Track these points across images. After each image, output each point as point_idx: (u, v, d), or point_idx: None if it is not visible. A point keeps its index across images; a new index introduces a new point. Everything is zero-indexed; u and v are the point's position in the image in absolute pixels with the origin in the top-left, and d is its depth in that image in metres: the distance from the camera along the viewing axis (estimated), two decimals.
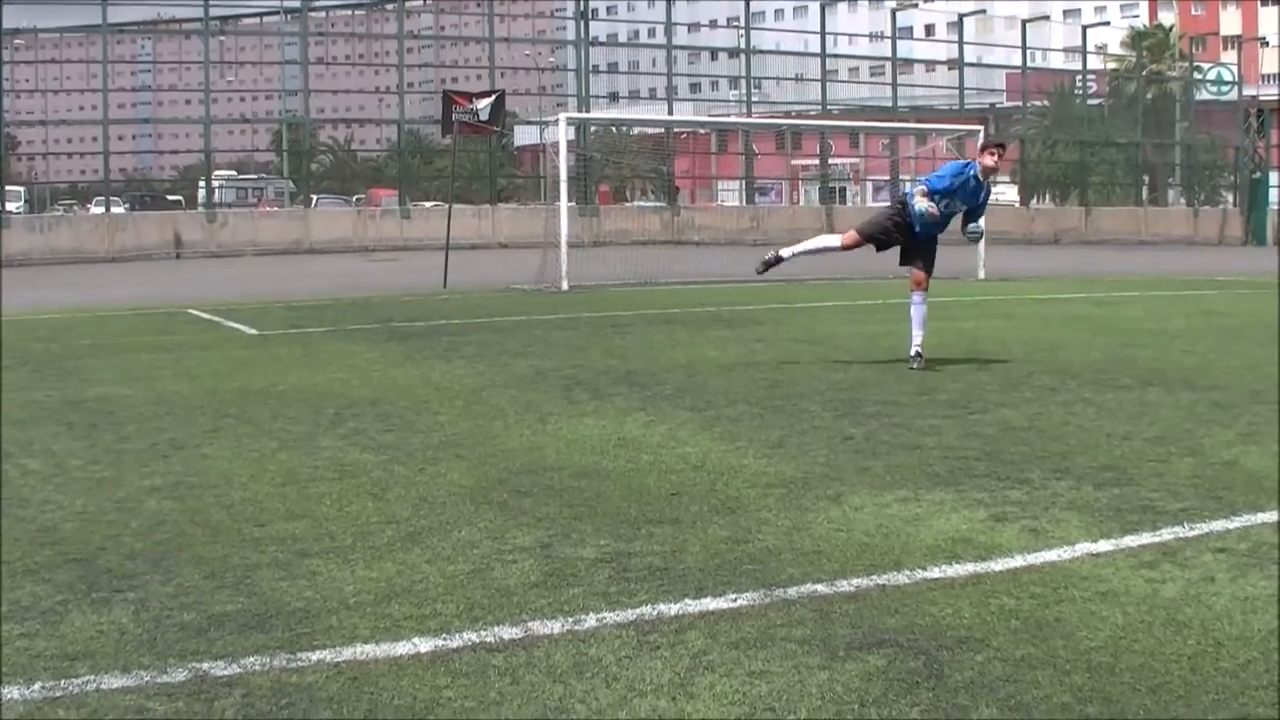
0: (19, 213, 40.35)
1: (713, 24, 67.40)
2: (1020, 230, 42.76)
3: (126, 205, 45.84)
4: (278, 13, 46.33)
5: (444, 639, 3.80)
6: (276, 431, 7.35)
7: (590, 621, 3.94)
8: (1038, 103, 55.44)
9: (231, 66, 46.90)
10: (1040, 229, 43.53)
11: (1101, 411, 7.87)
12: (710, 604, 4.10)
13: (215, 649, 3.72)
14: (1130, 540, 4.85)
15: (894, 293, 15.23)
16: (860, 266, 15.15)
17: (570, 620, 3.95)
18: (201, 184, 46.08)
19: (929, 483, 5.84)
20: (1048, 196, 59.02)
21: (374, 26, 53.36)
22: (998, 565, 4.52)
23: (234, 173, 57.06)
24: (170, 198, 48.25)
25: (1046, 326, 13.93)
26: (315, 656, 3.65)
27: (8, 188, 38.37)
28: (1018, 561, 4.58)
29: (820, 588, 4.26)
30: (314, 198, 42.47)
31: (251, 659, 3.63)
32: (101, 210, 39.79)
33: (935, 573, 4.42)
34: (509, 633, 3.84)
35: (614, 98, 64.08)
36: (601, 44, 61.75)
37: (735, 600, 4.13)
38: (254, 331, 13.78)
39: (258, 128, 63.86)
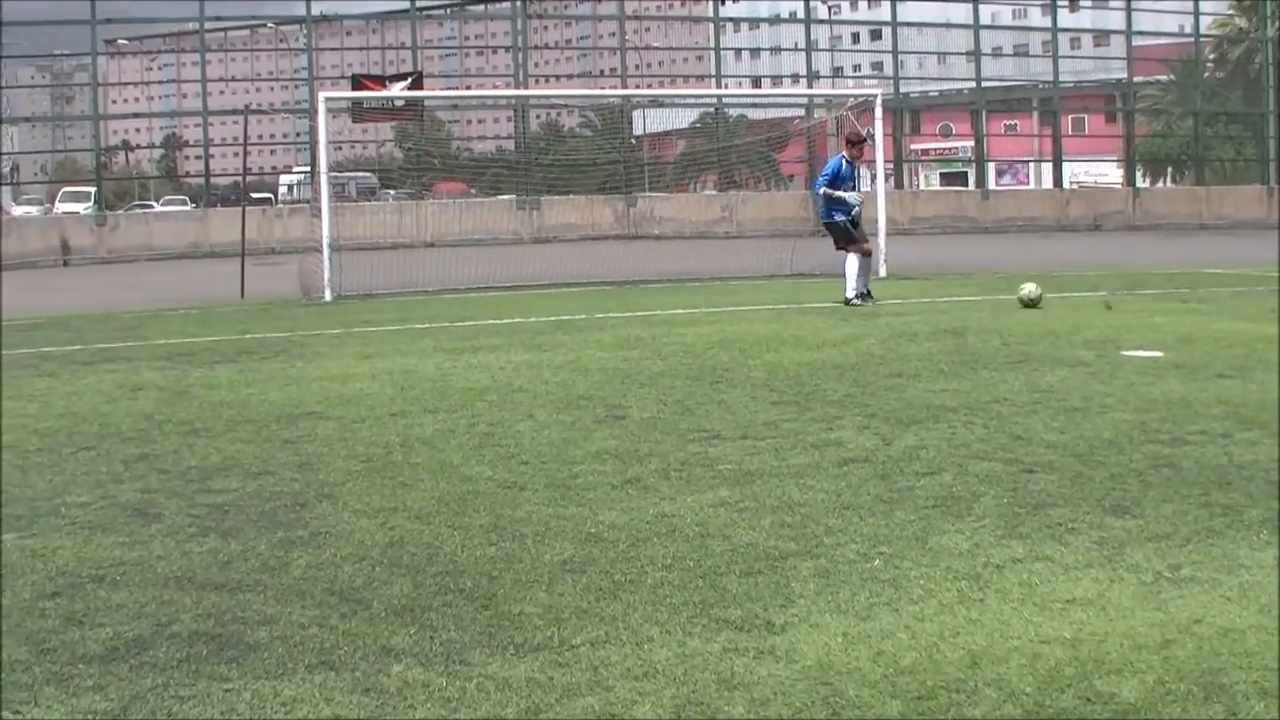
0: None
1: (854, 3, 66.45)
2: (1053, 214, 40.93)
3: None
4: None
5: None
6: None
7: None
8: (1161, 77, 52.30)
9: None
10: (1077, 213, 41.38)
11: None
12: None
13: None
14: None
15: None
16: None
17: None
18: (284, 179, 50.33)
19: None
20: (1168, 177, 55.43)
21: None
22: None
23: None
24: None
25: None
26: None
27: None
28: None
29: None
30: None
31: None
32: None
33: None
34: None
35: (756, 81, 64.50)
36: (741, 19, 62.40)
37: None
38: None
39: None
